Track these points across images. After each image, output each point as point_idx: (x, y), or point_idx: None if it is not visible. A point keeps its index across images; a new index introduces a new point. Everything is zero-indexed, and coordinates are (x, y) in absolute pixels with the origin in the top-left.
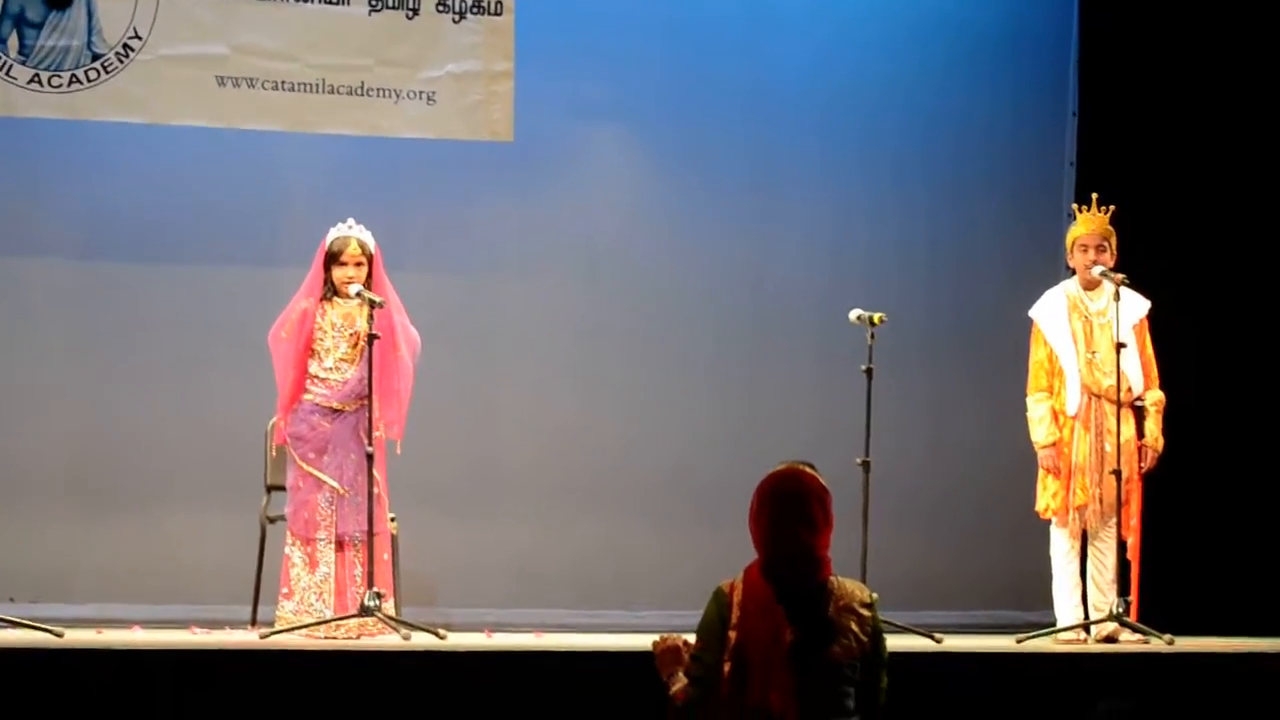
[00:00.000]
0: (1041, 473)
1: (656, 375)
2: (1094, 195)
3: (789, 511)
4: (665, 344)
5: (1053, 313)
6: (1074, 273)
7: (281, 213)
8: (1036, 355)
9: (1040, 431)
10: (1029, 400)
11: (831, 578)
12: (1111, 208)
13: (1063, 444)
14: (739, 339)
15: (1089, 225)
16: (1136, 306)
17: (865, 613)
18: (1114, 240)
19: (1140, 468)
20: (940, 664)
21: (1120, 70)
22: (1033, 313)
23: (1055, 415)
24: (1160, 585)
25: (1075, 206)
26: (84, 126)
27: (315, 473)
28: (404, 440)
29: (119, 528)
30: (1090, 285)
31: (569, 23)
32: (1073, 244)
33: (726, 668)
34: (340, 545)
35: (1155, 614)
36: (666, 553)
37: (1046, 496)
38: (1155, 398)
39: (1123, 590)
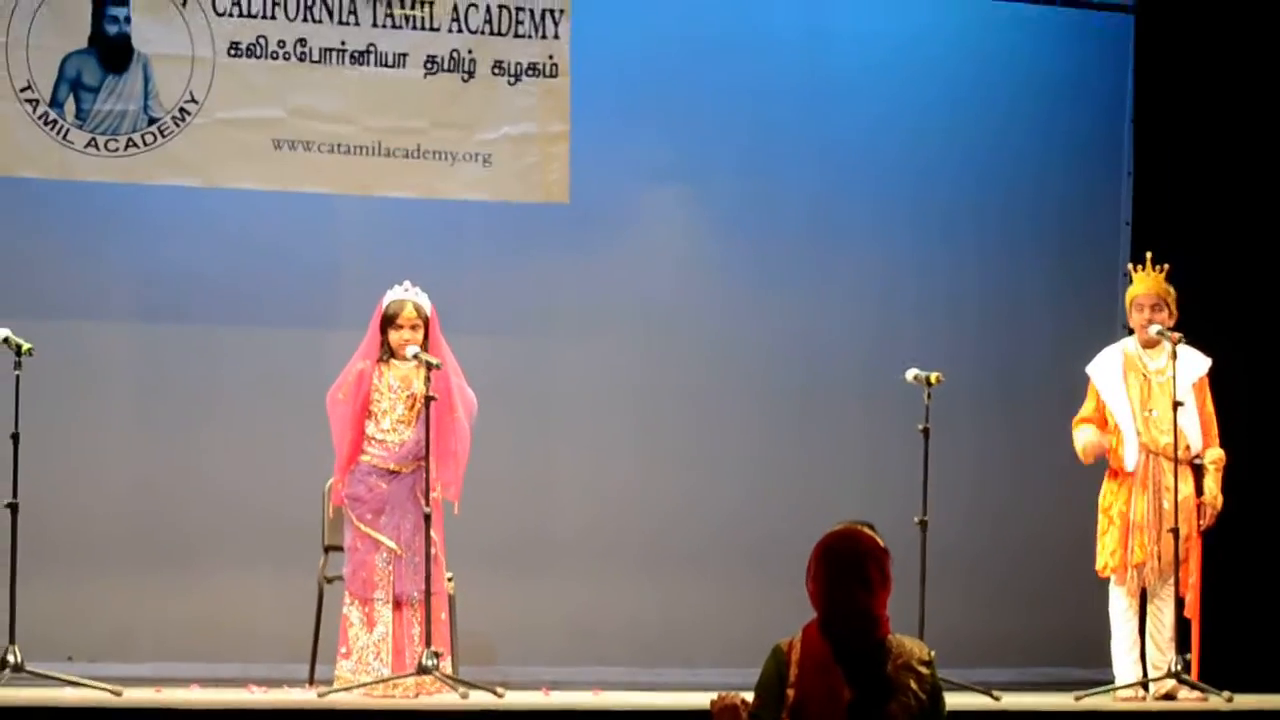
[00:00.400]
0: (1100, 530)
1: (712, 434)
2: (1148, 254)
3: (846, 572)
4: (720, 403)
5: (1108, 371)
6: (1133, 332)
7: (338, 274)
8: (1086, 406)
9: (1085, 433)
10: (1074, 431)
11: (890, 636)
12: (1166, 266)
13: (1122, 491)
14: (794, 397)
15: (1145, 284)
16: (1196, 365)
17: (924, 670)
18: (1173, 299)
19: (1199, 525)
20: None
21: (1176, 129)
22: (1089, 369)
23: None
24: (1219, 643)
25: (1131, 266)
26: (143, 189)
27: (373, 533)
28: (461, 500)
29: (177, 587)
30: (1149, 344)
31: (624, 84)
32: (1130, 303)
33: None
34: (398, 605)
35: (1214, 671)
36: (722, 610)
37: (1105, 555)
38: (1215, 455)
39: (1182, 648)
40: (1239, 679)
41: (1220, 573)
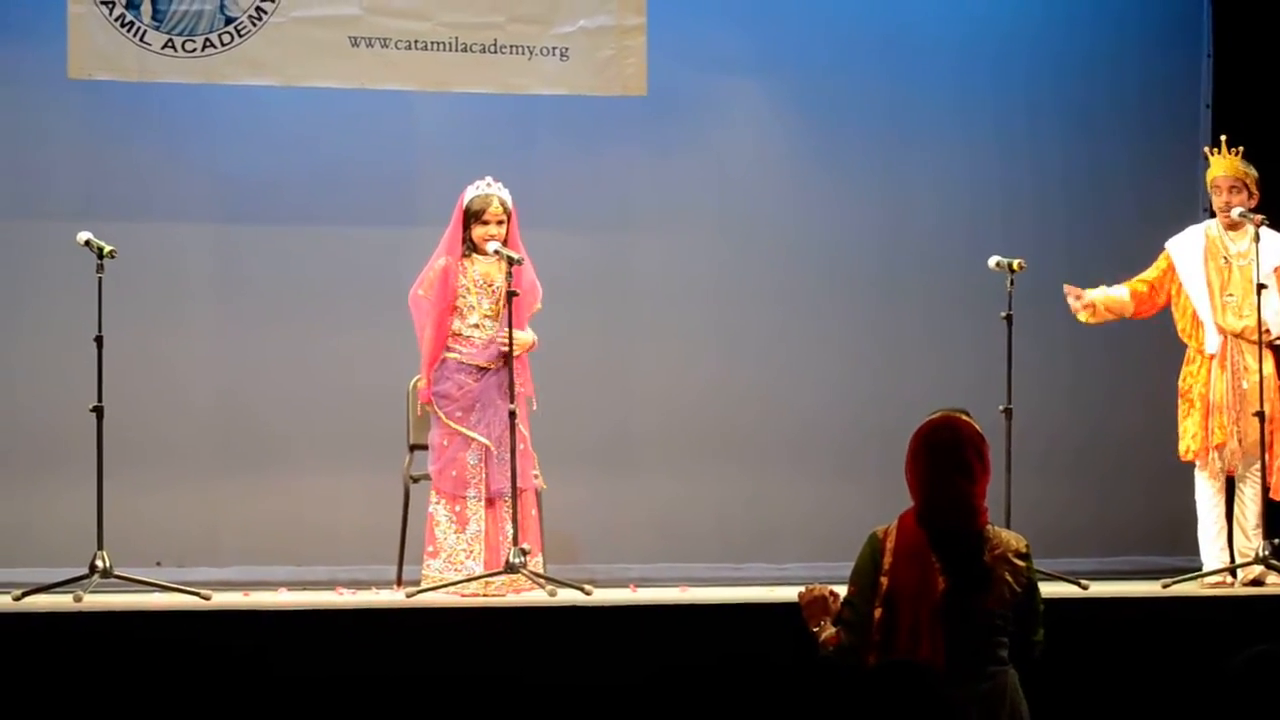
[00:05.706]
0: (1181, 415)
1: (795, 326)
2: (1224, 137)
3: (945, 459)
4: (802, 294)
5: (1189, 252)
6: (1215, 214)
7: (414, 172)
8: (1146, 272)
9: (1103, 289)
10: None
11: (988, 526)
12: (1241, 148)
13: (1196, 380)
14: (875, 288)
15: (1221, 166)
16: (1276, 248)
17: (1019, 563)
18: (1253, 180)
19: None
20: (1086, 610)
21: (1256, 9)
22: (1169, 244)
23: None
24: None
25: (1207, 149)
26: (220, 89)
27: (465, 431)
28: (543, 399)
29: (262, 490)
30: (1232, 226)
31: None
32: (1209, 186)
33: (877, 614)
34: (490, 503)
35: None
36: (808, 505)
37: (1186, 439)
38: None
39: (1270, 533)
40: None
41: None
